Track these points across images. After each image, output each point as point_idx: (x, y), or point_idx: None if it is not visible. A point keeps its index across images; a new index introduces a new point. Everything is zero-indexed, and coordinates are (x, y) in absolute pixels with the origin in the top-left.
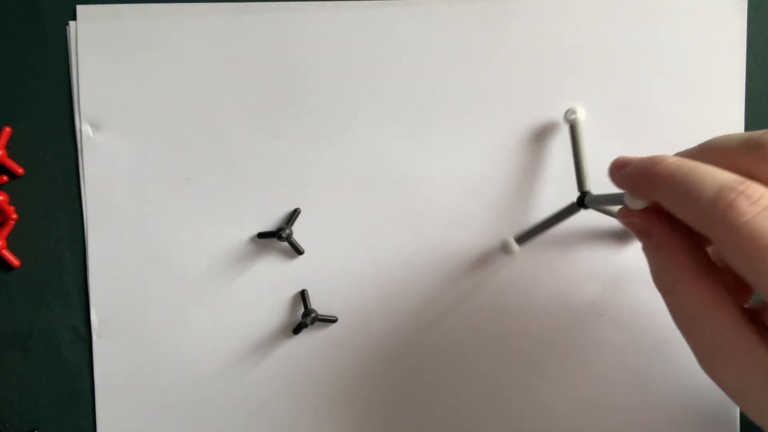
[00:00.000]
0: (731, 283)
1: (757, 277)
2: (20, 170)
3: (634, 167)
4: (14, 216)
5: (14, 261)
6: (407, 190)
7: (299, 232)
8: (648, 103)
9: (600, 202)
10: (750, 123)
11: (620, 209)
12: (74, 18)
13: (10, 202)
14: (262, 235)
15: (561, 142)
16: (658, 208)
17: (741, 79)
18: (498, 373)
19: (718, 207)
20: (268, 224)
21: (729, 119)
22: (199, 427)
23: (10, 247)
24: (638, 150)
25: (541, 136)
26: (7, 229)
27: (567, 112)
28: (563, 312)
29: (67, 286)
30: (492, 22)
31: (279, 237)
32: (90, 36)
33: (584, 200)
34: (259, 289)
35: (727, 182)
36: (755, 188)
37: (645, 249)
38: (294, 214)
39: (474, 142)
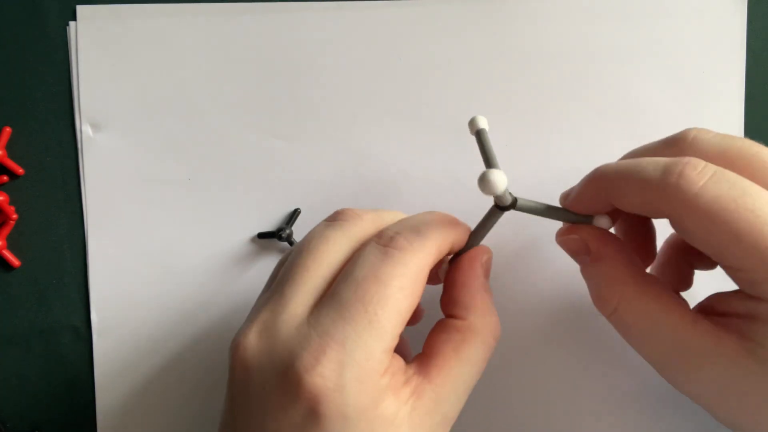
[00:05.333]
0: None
1: (719, 241)
2: (20, 170)
3: (580, 184)
4: (14, 216)
5: (14, 261)
6: (407, 190)
7: (299, 232)
8: (648, 103)
9: (532, 212)
10: (750, 123)
11: (560, 229)
12: (74, 18)
13: (10, 202)
14: (262, 235)
15: (562, 142)
16: (594, 228)
17: (741, 79)
18: (497, 370)
19: (670, 181)
20: (268, 224)
21: (729, 119)
22: (199, 427)
23: (11, 247)
24: None
25: (541, 136)
26: (7, 230)
27: (472, 122)
28: (562, 310)
29: (67, 286)
30: (492, 22)
31: (279, 237)
32: (90, 36)
33: (497, 205)
34: (259, 289)
35: (670, 160)
36: (696, 160)
37: (584, 270)
38: (294, 214)
39: (474, 142)
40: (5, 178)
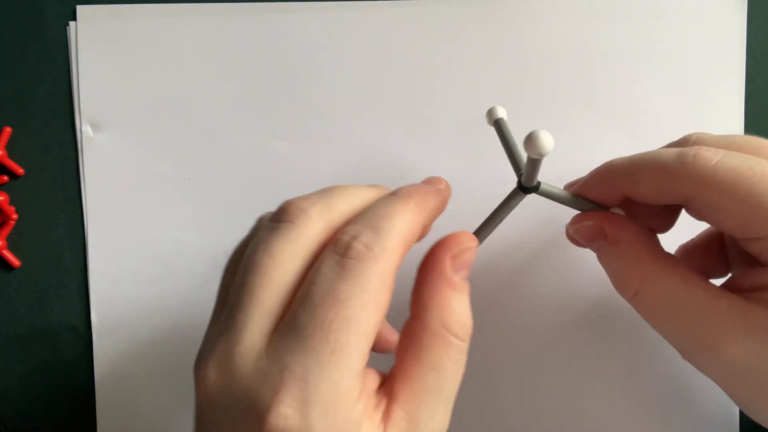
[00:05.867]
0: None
1: (741, 210)
2: (20, 170)
3: (588, 174)
4: (14, 216)
5: (14, 261)
6: None
7: None
8: (648, 102)
9: (554, 197)
10: (750, 123)
11: (573, 218)
12: (74, 18)
13: (10, 202)
14: None
15: (562, 142)
16: (608, 212)
17: (741, 79)
18: (497, 371)
19: (686, 161)
20: None
21: (729, 119)
22: None
23: (11, 247)
24: (639, 150)
25: None
26: (7, 230)
27: (490, 112)
28: (563, 312)
29: (67, 286)
30: (492, 22)
31: None
32: (90, 36)
33: (523, 184)
34: None
35: (681, 148)
36: (707, 146)
37: (602, 255)
38: None
39: (474, 142)
40: (5, 178)
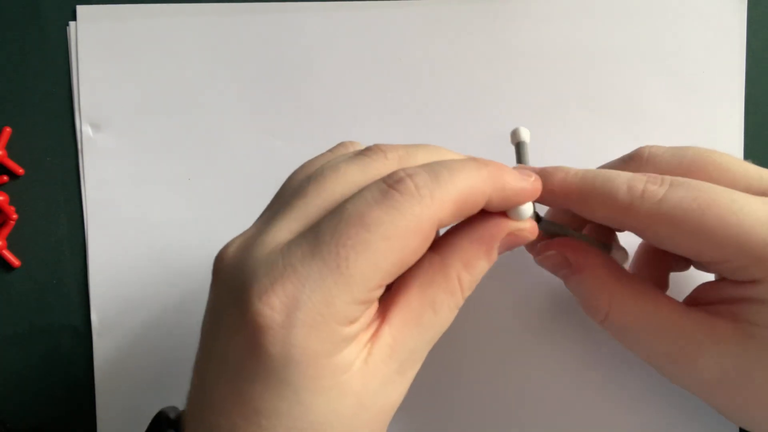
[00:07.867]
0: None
1: (692, 241)
2: (20, 170)
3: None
4: (14, 216)
5: (14, 261)
6: None
7: None
8: (648, 103)
9: (553, 231)
10: (750, 123)
11: (537, 247)
12: (74, 18)
13: (10, 202)
14: None
15: (562, 142)
16: (568, 240)
17: (741, 79)
18: (494, 366)
19: (635, 197)
20: None
21: (729, 119)
22: None
23: (11, 247)
24: None
25: (541, 136)
26: (7, 230)
27: (513, 133)
28: (562, 308)
29: (67, 286)
30: (492, 22)
31: None
32: (90, 36)
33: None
34: None
35: (632, 176)
36: (654, 175)
37: (568, 283)
38: None
39: (474, 143)
40: (5, 178)
